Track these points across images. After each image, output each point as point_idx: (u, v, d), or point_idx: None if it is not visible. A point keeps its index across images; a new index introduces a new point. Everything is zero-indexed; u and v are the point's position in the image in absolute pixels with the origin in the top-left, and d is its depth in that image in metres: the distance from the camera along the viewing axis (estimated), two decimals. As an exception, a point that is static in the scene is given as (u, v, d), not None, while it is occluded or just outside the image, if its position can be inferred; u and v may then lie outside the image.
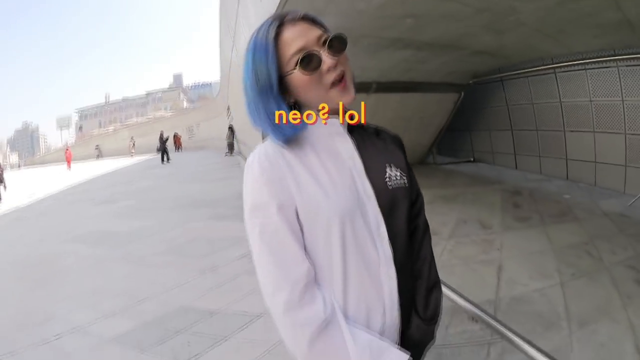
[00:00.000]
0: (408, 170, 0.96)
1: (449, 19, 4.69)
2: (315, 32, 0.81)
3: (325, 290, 0.79)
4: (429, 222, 1.04)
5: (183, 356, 2.44)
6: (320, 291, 0.78)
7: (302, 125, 0.84)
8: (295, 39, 0.79)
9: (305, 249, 0.79)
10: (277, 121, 0.81)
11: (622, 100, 6.57)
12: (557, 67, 7.56)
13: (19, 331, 2.98)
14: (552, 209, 6.02)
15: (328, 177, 0.81)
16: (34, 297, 3.67)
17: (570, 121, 7.84)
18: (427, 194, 1.06)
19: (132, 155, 30.77)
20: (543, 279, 3.43)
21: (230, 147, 19.67)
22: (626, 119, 6.62)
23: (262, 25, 0.82)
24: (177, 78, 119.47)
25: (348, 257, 0.80)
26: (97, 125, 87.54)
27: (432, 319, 0.96)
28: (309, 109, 0.87)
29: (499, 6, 4.39)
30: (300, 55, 0.78)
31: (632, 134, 6.60)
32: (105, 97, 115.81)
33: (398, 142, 1.02)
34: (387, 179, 0.88)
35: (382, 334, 0.83)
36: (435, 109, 9.61)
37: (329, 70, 0.80)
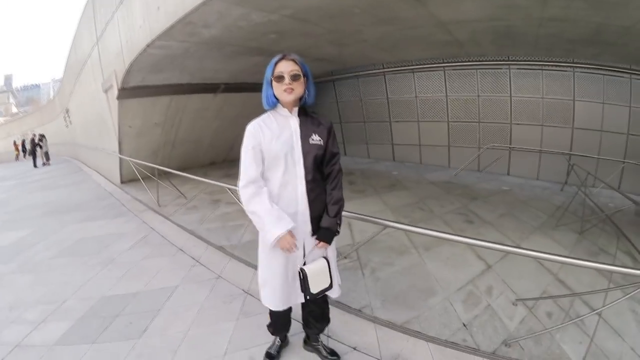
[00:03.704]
0: (327, 139, 1.85)
1: (305, 36, 5.60)
2: (292, 67, 1.72)
3: (268, 185, 1.78)
4: None
5: (134, 334, 2.65)
6: (261, 183, 1.76)
7: (275, 104, 1.80)
8: (281, 67, 1.73)
9: (265, 168, 1.78)
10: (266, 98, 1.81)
11: (446, 96, 8.54)
12: (387, 71, 9.29)
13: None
14: (383, 182, 7.49)
15: (279, 134, 1.77)
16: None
17: (396, 113, 9.69)
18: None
19: None
20: (376, 227, 4.51)
21: (47, 155, 17.81)
22: (449, 110, 8.63)
23: (274, 57, 1.75)
24: (8, 79, 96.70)
25: (281, 172, 1.77)
26: None
27: (334, 216, 1.85)
28: (280, 101, 1.80)
29: (347, 28, 5.44)
30: (277, 74, 1.72)
31: (454, 122, 8.67)
32: None
33: (328, 125, 1.90)
34: (311, 140, 1.80)
35: (296, 214, 1.79)
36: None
37: (285, 84, 1.71)
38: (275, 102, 1.80)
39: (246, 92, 9.29)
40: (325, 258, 1.86)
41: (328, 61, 8.37)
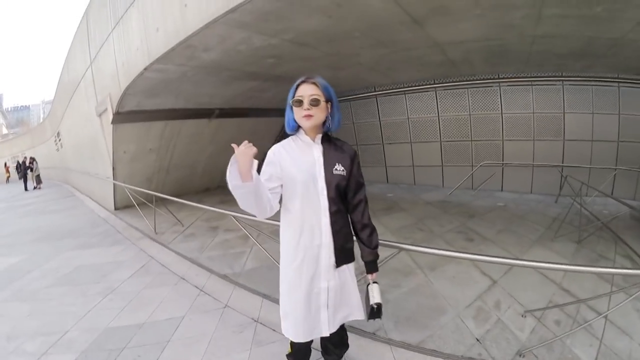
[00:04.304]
0: (351, 168, 1.76)
1: (303, 60, 5.66)
2: (312, 91, 1.65)
3: (289, 216, 1.72)
4: None
5: (143, 367, 2.53)
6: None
7: (296, 128, 1.75)
8: (301, 91, 1.66)
9: (283, 196, 1.68)
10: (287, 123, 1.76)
11: (438, 116, 8.67)
12: (379, 93, 9.44)
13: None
14: (380, 205, 7.47)
15: (300, 162, 1.68)
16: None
17: (389, 135, 9.80)
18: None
19: None
20: (388, 250, 4.55)
21: (38, 179, 17.66)
22: (441, 130, 8.75)
23: (297, 80, 1.70)
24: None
25: (304, 203, 1.67)
26: None
27: (374, 248, 1.84)
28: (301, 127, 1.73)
29: (345, 52, 5.52)
30: (297, 98, 1.64)
31: (446, 141, 8.77)
32: None
33: (351, 153, 1.80)
34: (334, 170, 1.71)
35: (320, 246, 1.71)
36: (265, 131, 10.91)
37: (304, 109, 1.63)
38: (297, 126, 1.75)
39: (240, 117, 9.36)
40: (374, 281, 1.88)
41: (323, 86, 8.47)
